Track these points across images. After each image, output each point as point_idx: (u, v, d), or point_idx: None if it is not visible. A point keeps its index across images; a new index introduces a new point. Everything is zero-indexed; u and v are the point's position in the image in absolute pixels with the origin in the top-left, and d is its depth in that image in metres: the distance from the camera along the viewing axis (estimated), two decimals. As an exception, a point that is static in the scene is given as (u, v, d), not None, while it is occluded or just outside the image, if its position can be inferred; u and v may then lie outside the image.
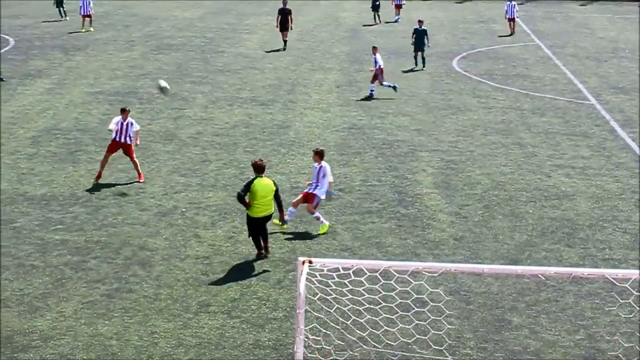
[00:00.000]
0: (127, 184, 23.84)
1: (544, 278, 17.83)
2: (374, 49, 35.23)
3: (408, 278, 15.28)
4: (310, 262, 12.09)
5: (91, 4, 50.20)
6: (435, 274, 16.72)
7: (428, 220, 21.68)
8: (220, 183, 24.15)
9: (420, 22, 41.26)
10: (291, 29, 45.76)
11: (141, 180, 23.93)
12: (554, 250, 20.04)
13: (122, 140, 23.73)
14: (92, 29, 50.20)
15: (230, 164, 25.72)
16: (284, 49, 44.62)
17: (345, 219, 21.70)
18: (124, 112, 23.84)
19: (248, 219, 18.99)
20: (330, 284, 13.44)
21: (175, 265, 18.78)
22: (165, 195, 23.03)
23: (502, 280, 18.17)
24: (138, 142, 24.43)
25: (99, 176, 23.96)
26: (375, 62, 34.38)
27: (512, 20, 51.16)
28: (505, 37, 50.38)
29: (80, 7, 49.97)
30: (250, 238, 19.24)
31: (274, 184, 18.97)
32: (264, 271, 18.53)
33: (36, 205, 22.20)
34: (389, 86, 34.62)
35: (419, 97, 34.52)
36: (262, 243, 19.18)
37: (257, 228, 18.98)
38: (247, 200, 18.68)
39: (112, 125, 23.72)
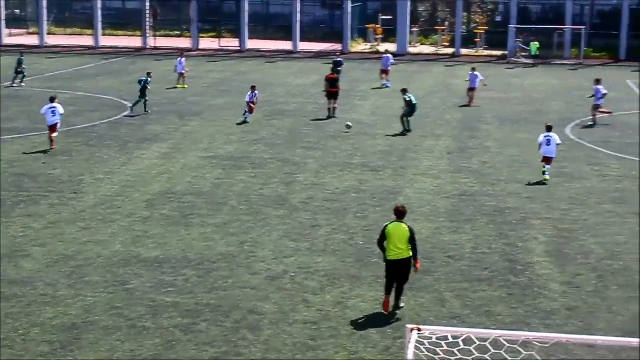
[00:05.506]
0: (238, 248, 24.12)
1: (660, 352, 17.30)
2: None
3: (519, 348, 14.97)
4: (419, 329, 12.00)
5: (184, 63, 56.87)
6: (547, 345, 16.36)
7: (540, 290, 21.30)
8: (330, 248, 24.20)
9: None
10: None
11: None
12: (671, 323, 19.48)
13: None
14: (186, 85, 56.36)
15: (340, 229, 25.78)
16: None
17: (455, 286, 21.47)
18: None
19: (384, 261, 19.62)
20: (439, 352, 13.25)
21: (284, 329, 18.83)
22: (275, 260, 23.18)
23: (617, 354, 17.69)
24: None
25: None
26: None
27: None
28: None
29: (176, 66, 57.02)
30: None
31: (410, 230, 19.25)
32: (372, 338, 18.43)
33: (149, 267, 22.58)
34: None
35: (532, 165, 34.09)
36: (392, 290, 19.55)
37: (390, 271, 19.43)
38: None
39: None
